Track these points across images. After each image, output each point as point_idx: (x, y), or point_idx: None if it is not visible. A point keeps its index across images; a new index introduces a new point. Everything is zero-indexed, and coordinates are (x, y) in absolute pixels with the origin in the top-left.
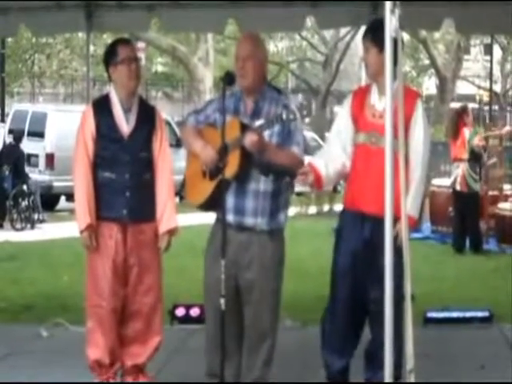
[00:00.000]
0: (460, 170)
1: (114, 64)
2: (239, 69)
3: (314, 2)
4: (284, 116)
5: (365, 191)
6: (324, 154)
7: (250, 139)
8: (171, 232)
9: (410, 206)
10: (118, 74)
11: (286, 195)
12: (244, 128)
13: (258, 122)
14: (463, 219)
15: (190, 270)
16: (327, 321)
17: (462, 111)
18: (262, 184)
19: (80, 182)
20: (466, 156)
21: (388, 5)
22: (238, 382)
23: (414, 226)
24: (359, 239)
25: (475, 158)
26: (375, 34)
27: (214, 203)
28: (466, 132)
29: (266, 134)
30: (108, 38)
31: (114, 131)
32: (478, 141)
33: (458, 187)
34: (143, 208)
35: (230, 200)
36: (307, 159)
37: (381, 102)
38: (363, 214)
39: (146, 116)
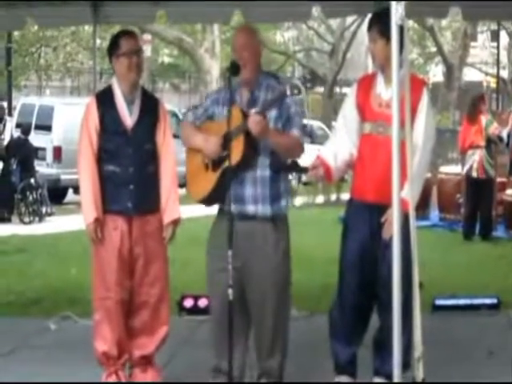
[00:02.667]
0: (477, 156)
1: (116, 56)
2: (238, 60)
3: None
4: (288, 92)
5: (372, 181)
6: (331, 144)
7: (253, 119)
8: (175, 222)
9: (405, 189)
10: (120, 65)
11: (286, 182)
12: (245, 116)
13: (253, 110)
14: (475, 206)
15: (196, 261)
16: (335, 309)
17: (480, 98)
18: (258, 170)
19: (85, 175)
20: (483, 143)
21: None
22: (244, 382)
23: (406, 210)
24: (367, 228)
25: (490, 145)
26: (382, 25)
27: (218, 194)
28: (483, 119)
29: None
30: (115, 31)
31: (117, 124)
32: (493, 129)
33: (474, 174)
34: (148, 200)
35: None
36: (314, 148)
37: (387, 92)
38: (370, 203)
39: (149, 108)
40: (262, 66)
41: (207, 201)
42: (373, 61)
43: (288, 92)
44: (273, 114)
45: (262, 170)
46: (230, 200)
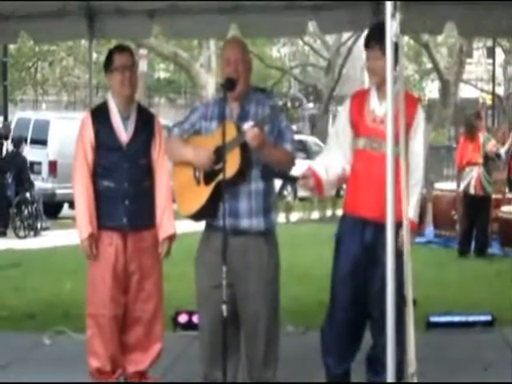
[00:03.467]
0: (475, 173)
1: (110, 71)
2: (232, 72)
3: (316, 7)
4: (289, 104)
5: (366, 196)
6: (324, 158)
7: (252, 133)
8: (171, 238)
9: (413, 210)
10: (113, 81)
11: (274, 195)
12: (240, 130)
13: (247, 124)
14: (472, 223)
15: (191, 276)
16: (327, 326)
17: (476, 116)
18: (253, 184)
19: (80, 190)
20: (481, 160)
21: (389, 9)
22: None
23: (416, 229)
24: (360, 244)
25: (488, 162)
26: (384, 42)
27: (210, 209)
28: (481, 136)
29: None
30: (112, 45)
31: (112, 139)
32: (491, 146)
33: (471, 190)
34: (143, 215)
35: (222, 205)
36: (309, 164)
37: (381, 107)
38: (364, 219)
39: (145, 123)
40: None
41: (198, 216)
42: (370, 77)
43: (289, 104)
44: (265, 129)
45: (256, 183)
46: (225, 214)
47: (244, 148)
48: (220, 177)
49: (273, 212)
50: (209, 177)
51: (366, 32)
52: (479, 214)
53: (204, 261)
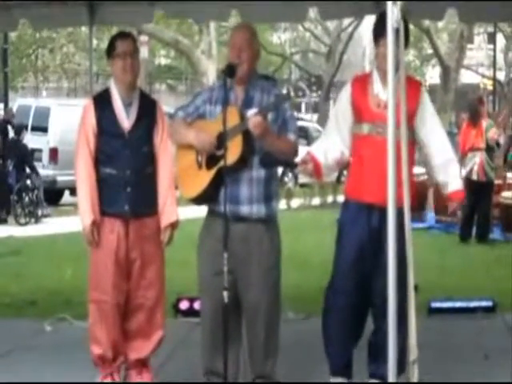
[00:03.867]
0: (477, 158)
1: (111, 57)
2: (235, 57)
3: None
4: (292, 93)
5: (372, 182)
6: (322, 142)
7: (254, 120)
8: (173, 225)
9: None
10: (115, 67)
11: (276, 182)
12: (243, 116)
13: (251, 111)
14: (473, 209)
15: (192, 262)
16: (330, 313)
17: (479, 101)
18: (254, 171)
19: (82, 177)
20: (483, 145)
21: None
22: (240, 383)
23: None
24: (366, 230)
25: (490, 148)
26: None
27: (211, 193)
28: (484, 123)
29: None
30: (113, 32)
31: (114, 126)
32: (492, 133)
33: (474, 176)
34: (145, 203)
35: (222, 190)
36: (308, 149)
37: (385, 92)
38: (370, 204)
39: (147, 110)
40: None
41: (200, 199)
42: (381, 62)
43: (292, 94)
44: (269, 117)
45: (258, 170)
46: (226, 201)
47: (247, 135)
48: (222, 163)
49: (274, 199)
50: (211, 162)
51: (368, 18)
52: (481, 200)
53: (206, 248)
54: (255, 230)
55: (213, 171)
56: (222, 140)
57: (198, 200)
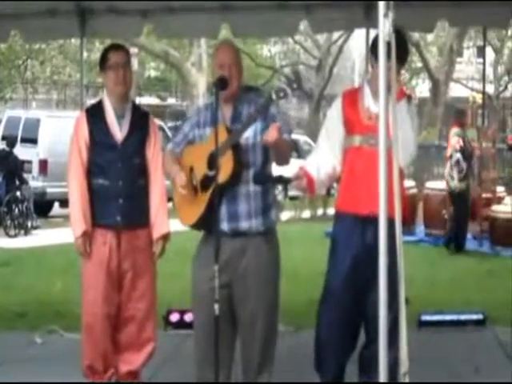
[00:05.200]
0: (446, 168)
1: (104, 69)
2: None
3: (308, 7)
4: (273, 96)
5: (366, 194)
6: (315, 157)
7: (271, 135)
8: (165, 237)
9: None
10: (107, 79)
11: (273, 193)
12: (230, 132)
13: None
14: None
15: (183, 275)
16: (323, 327)
17: (463, 113)
18: (251, 185)
19: (74, 188)
20: (449, 154)
21: (381, 8)
22: (245, 383)
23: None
24: (360, 243)
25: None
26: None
27: (210, 215)
28: (452, 130)
29: (251, 131)
30: (102, 44)
31: (107, 138)
32: (455, 142)
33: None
34: (137, 214)
35: (222, 208)
36: (301, 163)
37: (376, 105)
38: (364, 217)
39: (139, 122)
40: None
41: (200, 224)
42: (372, 84)
43: (274, 96)
44: (258, 126)
45: (254, 184)
46: (218, 216)
47: (236, 150)
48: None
49: (272, 210)
50: (205, 183)
51: (357, 31)
52: (453, 209)
53: (201, 260)
54: (253, 243)
55: (208, 193)
56: (213, 160)
57: (198, 225)
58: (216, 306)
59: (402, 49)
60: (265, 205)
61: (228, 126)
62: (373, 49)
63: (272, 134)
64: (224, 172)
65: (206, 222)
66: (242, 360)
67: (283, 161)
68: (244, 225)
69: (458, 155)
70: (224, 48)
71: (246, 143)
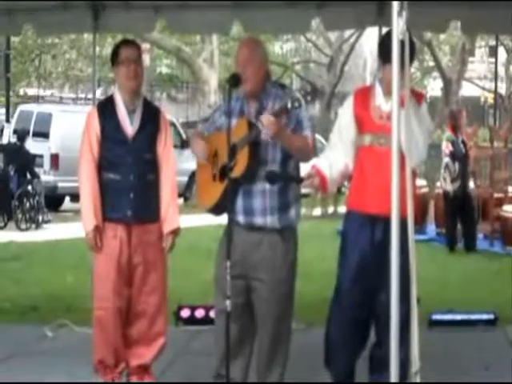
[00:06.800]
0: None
1: (116, 65)
2: (241, 74)
3: (320, 3)
4: (289, 105)
5: (375, 193)
6: (327, 155)
7: (267, 120)
8: (175, 232)
9: None
10: (119, 74)
11: (295, 191)
12: (252, 126)
13: (263, 116)
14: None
15: (194, 271)
16: (333, 325)
17: (459, 114)
18: (267, 182)
19: (86, 183)
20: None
21: (395, 8)
22: (247, 383)
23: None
24: (369, 241)
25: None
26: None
27: (224, 205)
28: (445, 134)
29: None
30: (113, 39)
31: (118, 133)
32: (445, 146)
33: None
34: (147, 209)
35: (238, 201)
36: (312, 161)
37: (387, 104)
38: (374, 216)
39: (151, 117)
40: (270, 75)
41: (215, 210)
42: (386, 87)
43: (289, 105)
44: (282, 121)
45: None
46: (232, 210)
47: (253, 147)
48: (231, 174)
49: (292, 208)
50: (223, 174)
51: (369, 29)
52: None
53: (223, 253)
54: (269, 239)
55: (224, 184)
56: (232, 152)
57: (213, 211)
58: (228, 302)
59: (409, 47)
60: (283, 202)
61: (251, 121)
62: (380, 48)
63: (267, 120)
64: (239, 167)
65: (221, 210)
66: (256, 352)
67: (300, 156)
68: (259, 220)
69: (447, 159)
70: (243, 45)
71: (267, 140)
